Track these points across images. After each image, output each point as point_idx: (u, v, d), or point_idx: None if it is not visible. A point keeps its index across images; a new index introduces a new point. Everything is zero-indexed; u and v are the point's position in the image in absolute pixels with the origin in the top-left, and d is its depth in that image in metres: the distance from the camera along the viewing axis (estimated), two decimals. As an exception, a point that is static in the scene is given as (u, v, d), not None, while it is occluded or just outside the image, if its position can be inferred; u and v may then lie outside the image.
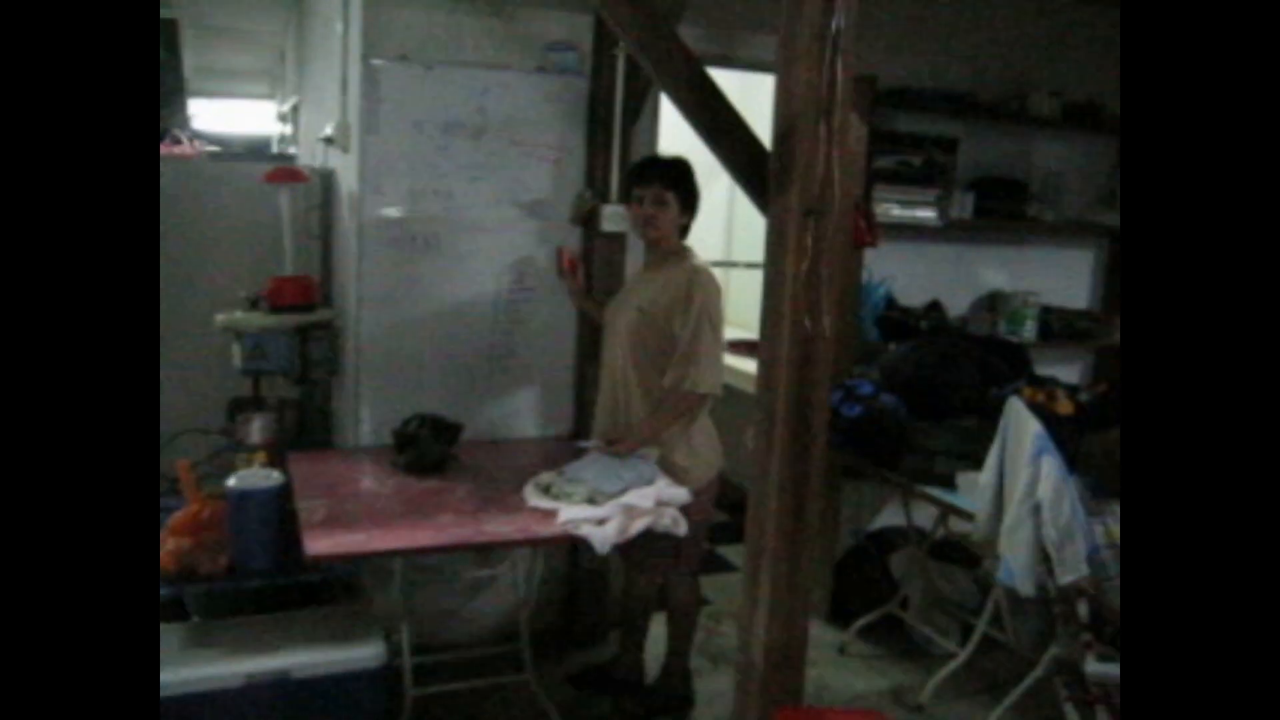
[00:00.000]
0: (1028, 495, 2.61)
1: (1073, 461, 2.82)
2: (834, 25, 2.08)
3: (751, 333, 4.60)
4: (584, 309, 3.42)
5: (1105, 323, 4.50)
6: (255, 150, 5.16)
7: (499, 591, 3.50)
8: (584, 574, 3.63)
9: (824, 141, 2.11)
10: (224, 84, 7.49)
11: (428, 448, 2.98)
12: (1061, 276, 4.55)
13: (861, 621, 3.74)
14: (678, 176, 3.00)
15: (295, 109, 5.82)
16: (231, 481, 2.83)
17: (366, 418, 3.28)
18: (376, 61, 3.09)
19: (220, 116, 7.35)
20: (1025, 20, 4.16)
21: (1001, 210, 4.17)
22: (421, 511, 2.69)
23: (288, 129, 6.29)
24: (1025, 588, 2.65)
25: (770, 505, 2.23)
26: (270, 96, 7.58)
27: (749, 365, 4.23)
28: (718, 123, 2.25)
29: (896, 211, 3.81)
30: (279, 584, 2.87)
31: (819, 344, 2.18)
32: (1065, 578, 2.56)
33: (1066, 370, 4.44)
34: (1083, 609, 2.62)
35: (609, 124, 3.35)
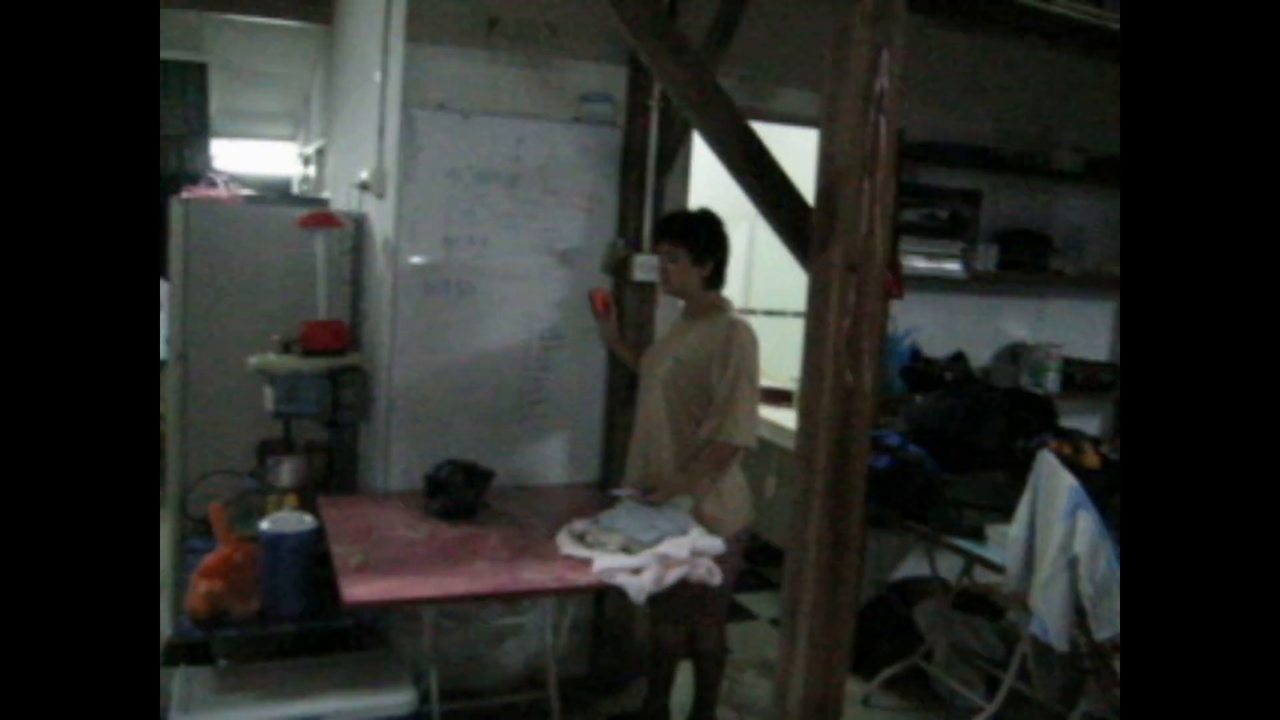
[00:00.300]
0: (1063, 550, 2.61)
1: (1103, 515, 2.83)
2: (878, 86, 2.12)
3: (769, 380, 4.65)
4: (615, 351, 3.44)
5: (1126, 375, 4.51)
6: (286, 194, 5.22)
7: (524, 638, 3.49)
8: (608, 622, 3.62)
9: (867, 198, 2.15)
10: (246, 125, 7.60)
11: (460, 494, 2.99)
12: (1082, 329, 4.58)
13: (886, 673, 3.72)
14: (683, 229, 3.05)
15: (320, 152, 5.89)
16: (264, 525, 2.84)
17: (397, 462, 3.29)
18: (415, 110, 3.15)
19: (238, 157, 7.44)
20: (1048, 75, 4.23)
21: (1025, 263, 4.20)
22: (456, 558, 2.69)
23: (311, 171, 6.36)
24: (1059, 643, 2.65)
25: (809, 558, 2.23)
26: (292, 138, 7.68)
27: (768, 413, 4.25)
28: (761, 177, 2.28)
29: (922, 264, 3.84)
30: (310, 629, 2.88)
31: (860, 398, 2.20)
32: (1102, 633, 2.55)
33: (1088, 422, 4.46)
34: (1119, 664, 2.61)
35: (642, 174, 3.40)
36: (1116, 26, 2.82)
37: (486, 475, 3.09)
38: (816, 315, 2.22)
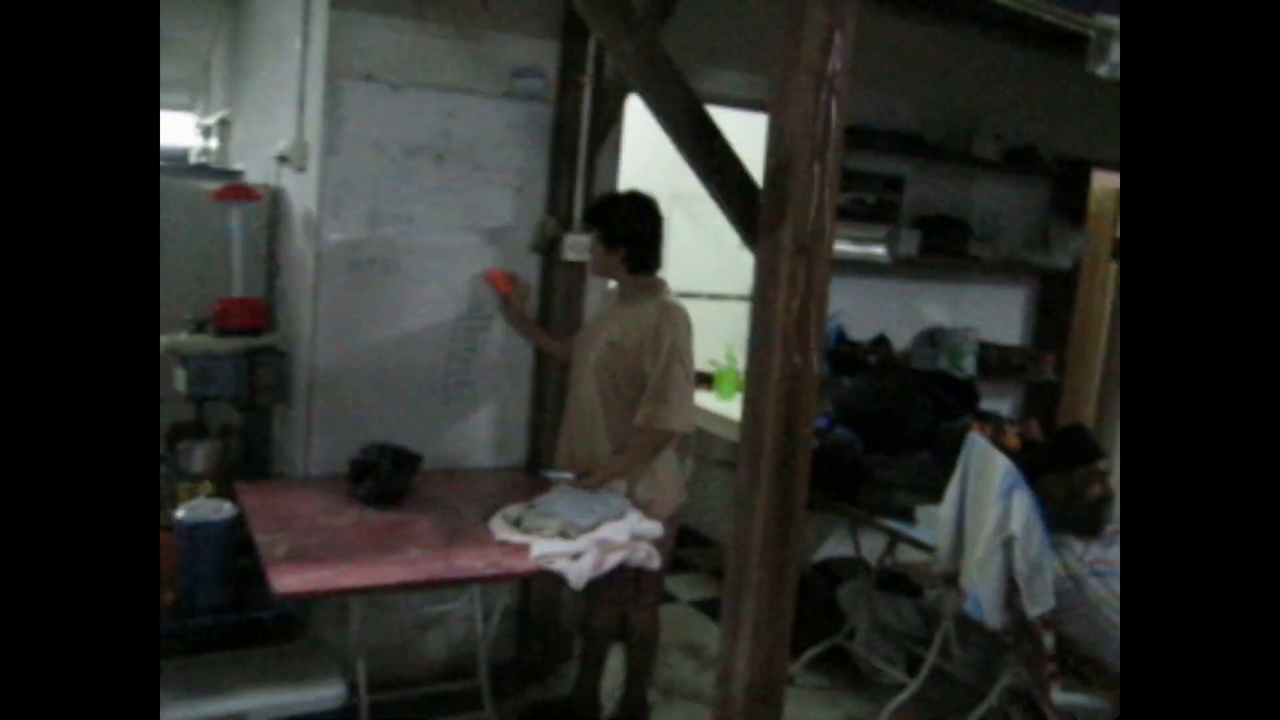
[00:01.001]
0: (999, 530, 2.65)
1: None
2: (830, 68, 2.11)
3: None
4: (526, 335, 3.36)
5: (1036, 359, 4.65)
6: (193, 165, 4.96)
7: (449, 625, 3.41)
8: (535, 607, 3.56)
9: (818, 181, 2.13)
10: (139, 93, 7.22)
11: (389, 478, 2.89)
12: (997, 313, 4.69)
13: (811, 652, 3.76)
14: (592, 213, 3.10)
15: (223, 122, 5.63)
16: (180, 513, 2.71)
17: (317, 446, 3.17)
18: (340, 80, 3.02)
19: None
20: (970, 66, 4.29)
21: (945, 248, 4.28)
22: (387, 545, 2.61)
23: (212, 143, 6.08)
24: (994, 620, 2.70)
25: (755, 540, 2.22)
26: (189, 108, 7.34)
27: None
28: (711, 157, 2.25)
29: (850, 248, 3.87)
30: (231, 621, 2.75)
31: (806, 380, 2.19)
32: (1035, 609, 2.61)
33: (1001, 404, 4.57)
34: (1048, 640, 2.68)
35: (573, 152, 3.33)
36: (1051, 18, 2.87)
37: (415, 459, 3.00)
38: (765, 297, 2.19)
